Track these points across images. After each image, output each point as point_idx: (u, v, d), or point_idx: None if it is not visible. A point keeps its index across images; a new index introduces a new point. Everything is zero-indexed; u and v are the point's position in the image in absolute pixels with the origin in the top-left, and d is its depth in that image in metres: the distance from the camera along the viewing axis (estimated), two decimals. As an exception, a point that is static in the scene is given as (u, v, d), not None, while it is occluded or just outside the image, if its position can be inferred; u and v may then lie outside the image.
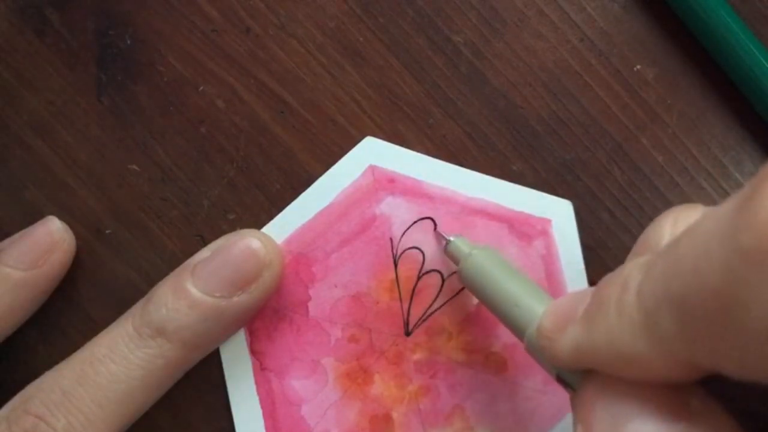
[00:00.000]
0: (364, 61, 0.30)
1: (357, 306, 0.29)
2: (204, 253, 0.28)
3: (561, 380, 0.22)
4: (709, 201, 0.30)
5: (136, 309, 0.27)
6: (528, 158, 0.30)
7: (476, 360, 0.30)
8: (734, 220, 0.15)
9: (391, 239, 0.29)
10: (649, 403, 0.18)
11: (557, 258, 0.30)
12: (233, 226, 0.30)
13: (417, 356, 0.30)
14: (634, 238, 0.26)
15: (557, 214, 0.30)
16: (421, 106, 0.30)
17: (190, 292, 0.26)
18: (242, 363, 0.29)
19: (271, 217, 0.29)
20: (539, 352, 0.22)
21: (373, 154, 0.29)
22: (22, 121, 0.29)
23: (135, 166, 0.30)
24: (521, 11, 0.30)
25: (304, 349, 0.29)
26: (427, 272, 0.29)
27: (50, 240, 0.28)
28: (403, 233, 0.29)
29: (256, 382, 0.29)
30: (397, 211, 0.29)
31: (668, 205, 0.30)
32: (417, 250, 0.29)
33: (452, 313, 0.30)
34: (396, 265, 0.29)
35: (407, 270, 0.29)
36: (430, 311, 0.30)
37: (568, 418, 0.30)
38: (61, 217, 0.29)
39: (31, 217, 0.29)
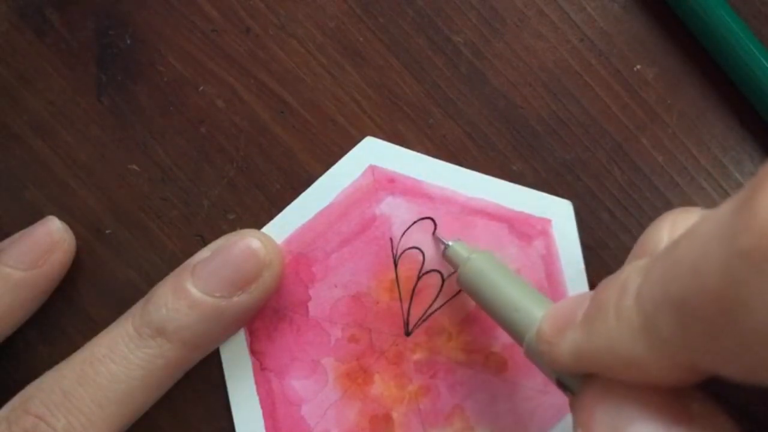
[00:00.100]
0: (364, 61, 0.30)
1: (357, 306, 0.29)
2: (204, 253, 0.28)
3: (561, 384, 0.22)
4: (709, 201, 0.30)
5: (136, 309, 0.27)
6: (528, 158, 0.30)
7: (476, 360, 0.30)
8: (733, 221, 0.15)
9: (391, 239, 0.29)
10: (649, 406, 0.18)
11: (557, 258, 0.30)
12: (233, 226, 0.30)
13: (417, 356, 0.30)
14: (634, 238, 0.26)
15: (557, 214, 0.30)
16: (421, 106, 0.30)
17: (190, 292, 0.26)
18: (242, 363, 0.29)
19: (271, 217, 0.29)
20: (539, 356, 0.22)
21: (373, 154, 0.29)
22: (22, 121, 0.29)
23: (135, 166, 0.30)
24: (521, 11, 0.30)
25: (304, 349, 0.29)
26: (427, 272, 0.29)
27: (50, 240, 0.28)
28: (403, 233, 0.29)
29: (256, 382, 0.29)
30: (397, 211, 0.29)
31: (668, 205, 0.30)
32: (417, 250, 0.29)
33: (452, 313, 0.30)
34: (396, 265, 0.29)
35: (407, 270, 0.29)
36: (430, 311, 0.30)
37: (568, 418, 0.30)
38: (61, 217, 0.29)
39: (31, 217, 0.29)
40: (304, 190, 0.29)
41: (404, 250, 0.29)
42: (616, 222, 0.30)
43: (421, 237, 0.29)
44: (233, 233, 0.28)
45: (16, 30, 0.29)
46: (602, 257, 0.30)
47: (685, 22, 0.30)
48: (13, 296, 0.27)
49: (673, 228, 0.22)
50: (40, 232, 0.28)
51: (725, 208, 0.16)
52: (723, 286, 0.15)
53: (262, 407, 0.29)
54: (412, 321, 0.30)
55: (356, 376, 0.29)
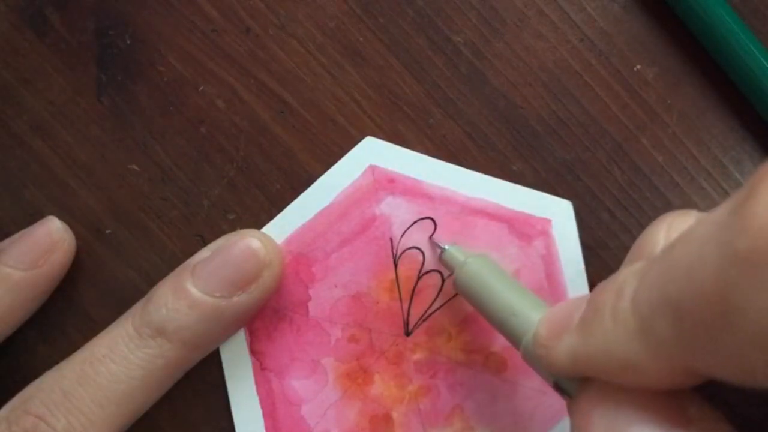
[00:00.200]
0: (364, 61, 0.30)
1: (357, 306, 0.29)
2: (204, 253, 0.28)
3: (558, 388, 0.22)
4: (709, 201, 0.30)
5: (136, 309, 0.27)
6: (528, 158, 0.30)
7: (476, 360, 0.30)
8: (729, 224, 0.15)
9: (391, 239, 0.29)
10: (646, 410, 0.18)
11: (557, 258, 0.30)
12: (233, 226, 0.30)
13: (417, 356, 0.30)
14: (634, 238, 0.26)
15: (557, 214, 0.30)
16: (421, 106, 0.30)
17: (190, 292, 0.26)
18: (242, 363, 0.29)
19: (271, 217, 0.29)
20: (536, 360, 0.22)
21: (373, 154, 0.29)
22: (22, 121, 0.29)
23: (135, 166, 0.30)
24: (521, 11, 0.30)
25: (304, 349, 0.29)
26: (427, 272, 0.29)
27: (50, 240, 0.28)
28: (403, 233, 0.29)
29: (256, 382, 0.29)
30: (397, 211, 0.29)
31: (668, 205, 0.30)
32: (417, 250, 0.29)
33: (452, 313, 0.30)
34: (396, 265, 0.29)
35: (407, 270, 0.29)
36: (430, 311, 0.30)
37: (568, 419, 0.30)
38: (61, 217, 0.29)
39: (31, 217, 0.29)
40: (304, 190, 0.29)
41: (404, 250, 0.29)
42: (616, 222, 0.30)
43: (421, 237, 0.29)
44: (233, 233, 0.28)
45: (16, 30, 0.29)
46: (602, 257, 0.30)
47: (685, 22, 0.30)
48: (13, 296, 0.27)
49: (670, 231, 0.22)
50: (40, 232, 0.28)
51: (720, 211, 0.16)
52: (719, 288, 0.15)
53: (262, 407, 0.29)
54: (412, 321, 0.30)
55: (356, 376, 0.29)
